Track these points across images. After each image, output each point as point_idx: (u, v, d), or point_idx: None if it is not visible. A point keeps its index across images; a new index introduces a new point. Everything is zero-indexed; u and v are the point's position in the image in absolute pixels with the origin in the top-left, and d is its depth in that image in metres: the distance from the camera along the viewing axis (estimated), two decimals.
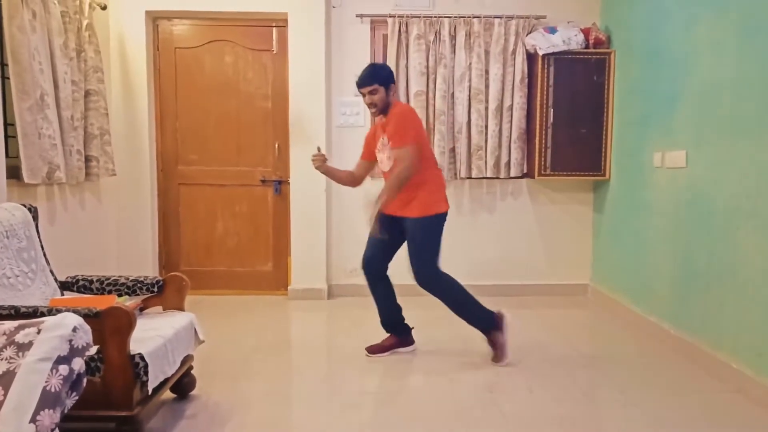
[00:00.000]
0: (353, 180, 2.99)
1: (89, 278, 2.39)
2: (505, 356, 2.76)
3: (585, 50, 3.86)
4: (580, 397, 2.46)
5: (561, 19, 3.98)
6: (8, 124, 2.78)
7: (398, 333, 2.94)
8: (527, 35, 3.94)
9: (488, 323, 2.79)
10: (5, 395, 1.22)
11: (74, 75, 3.20)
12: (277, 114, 4.13)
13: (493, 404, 2.34)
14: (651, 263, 3.35)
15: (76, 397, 1.35)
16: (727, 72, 2.67)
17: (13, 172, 2.77)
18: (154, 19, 4.05)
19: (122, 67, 3.93)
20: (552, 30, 3.84)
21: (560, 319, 3.70)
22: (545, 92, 3.87)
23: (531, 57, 3.97)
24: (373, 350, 2.91)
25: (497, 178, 4.11)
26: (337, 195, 4.15)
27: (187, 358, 2.30)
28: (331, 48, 4.08)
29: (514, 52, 3.98)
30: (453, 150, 4.08)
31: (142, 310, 2.36)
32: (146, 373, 1.84)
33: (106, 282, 2.37)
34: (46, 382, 1.25)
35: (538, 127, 3.90)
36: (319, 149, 2.86)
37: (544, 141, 3.90)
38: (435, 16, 3.97)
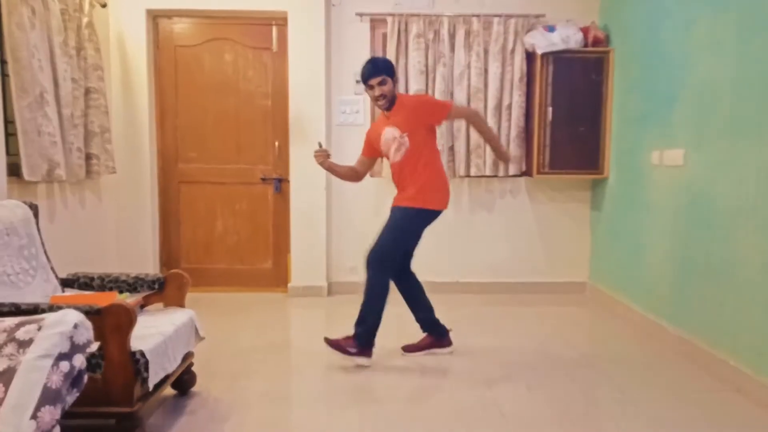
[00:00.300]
0: (355, 175, 2.97)
1: (90, 275, 2.40)
2: (334, 349, 2.67)
3: (584, 49, 3.86)
4: (579, 395, 2.47)
5: (560, 18, 3.98)
6: (8, 122, 2.78)
7: (435, 333, 2.89)
8: (526, 34, 3.94)
9: (362, 339, 2.69)
10: (6, 392, 1.22)
11: (74, 73, 3.20)
12: (276, 112, 4.14)
13: (492, 403, 2.35)
14: (649, 261, 3.36)
15: (77, 394, 1.36)
16: (726, 71, 2.67)
17: (14, 170, 2.78)
18: (154, 17, 4.05)
19: (122, 65, 3.93)
20: (551, 29, 3.85)
21: (558, 317, 3.71)
22: (544, 91, 3.88)
23: (530, 56, 3.97)
24: (408, 349, 2.88)
25: (496, 176, 4.12)
26: (337, 193, 4.16)
27: (188, 355, 2.31)
28: (331, 46, 4.08)
29: (513, 51, 3.98)
30: (452, 148, 4.09)
31: (142, 307, 2.37)
32: (147, 369, 1.86)
33: (106, 279, 2.38)
34: (46, 378, 1.26)
35: (536, 125, 3.91)
36: (320, 144, 2.85)
37: (542, 139, 3.91)
38: (434, 15, 3.97)
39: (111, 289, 2.36)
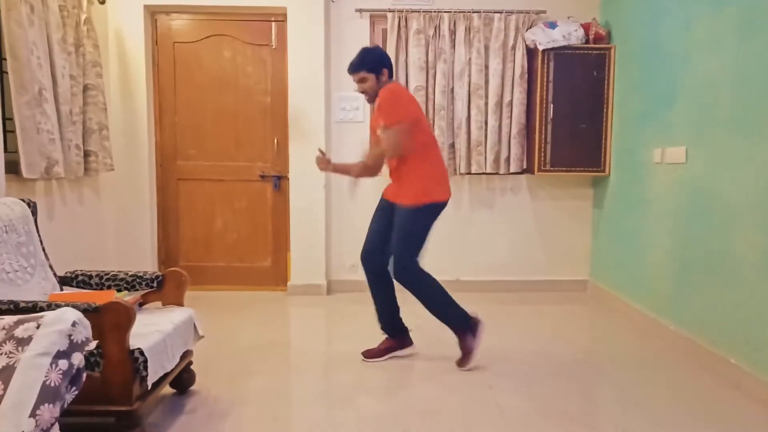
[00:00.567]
0: (371, 169, 2.81)
1: (88, 273, 2.39)
2: (469, 362, 2.66)
3: (585, 45, 3.85)
4: (579, 393, 2.46)
5: (561, 15, 3.97)
6: (6, 119, 2.77)
7: (395, 335, 2.85)
8: (527, 30, 3.93)
9: (463, 325, 2.69)
10: (5, 390, 1.21)
11: (72, 70, 3.18)
12: (276, 109, 4.12)
13: (493, 401, 2.35)
14: (650, 259, 3.35)
15: (76, 392, 1.35)
16: (726, 68, 2.66)
17: (12, 167, 2.76)
18: (153, 13, 4.03)
19: (121, 61, 3.91)
20: (552, 25, 3.83)
21: (559, 315, 3.70)
22: (545, 88, 3.86)
23: (531, 52, 3.96)
24: (369, 355, 2.80)
25: (497, 173, 4.10)
26: (337, 190, 4.14)
27: (187, 354, 2.30)
28: (331, 43, 4.06)
29: (513, 47, 3.97)
30: (452, 145, 4.07)
31: (141, 305, 2.36)
32: (146, 368, 1.84)
33: (105, 277, 2.37)
34: (45, 376, 1.25)
35: (537, 122, 3.90)
36: (320, 151, 2.78)
37: (543, 136, 3.90)
38: (434, 11, 3.96)
39: (109, 287, 2.35)
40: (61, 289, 2.34)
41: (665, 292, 3.18)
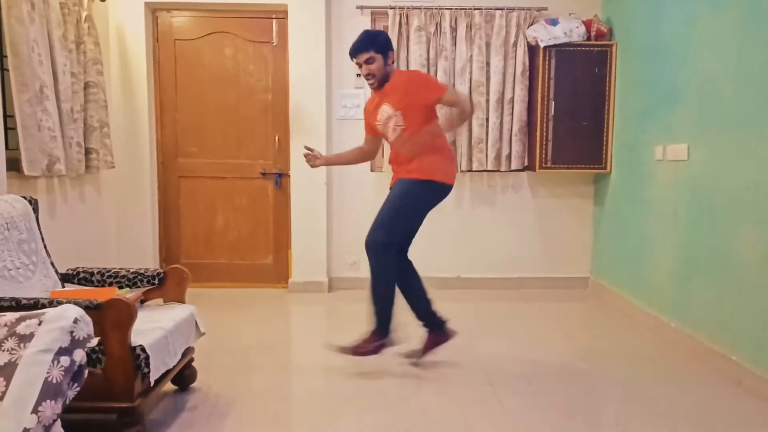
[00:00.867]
0: (364, 155, 2.81)
1: (90, 270, 2.39)
2: (354, 353, 2.53)
3: (586, 42, 3.84)
4: (580, 391, 2.46)
5: (562, 11, 3.96)
6: (8, 116, 2.77)
7: (435, 328, 2.68)
8: (528, 27, 3.92)
9: (381, 328, 2.55)
10: (7, 386, 1.22)
11: (73, 67, 3.18)
12: (277, 106, 4.12)
13: (493, 397, 2.35)
14: (651, 256, 3.35)
15: (78, 389, 1.36)
16: (728, 65, 2.65)
17: (13, 165, 2.77)
18: (154, 10, 4.03)
19: (121, 59, 3.91)
20: (553, 22, 3.82)
21: (560, 312, 3.70)
22: (546, 85, 3.85)
23: (532, 49, 3.95)
24: (420, 355, 2.65)
25: (498, 171, 4.10)
26: (338, 188, 4.14)
27: (188, 351, 2.30)
28: (332, 40, 4.06)
29: (515, 44, 3.96)
30: (454, 143, 4.07)
31: (142, 302, 2.36)
32: (147, 364, 1.85)
33: (106, 274, 2.37)
34: (47, 373, 1.25)
35: (539, 119, 3.89)
36: (307, 148, 2.70)
37: (545, 134, 3.89)
38: (436, 8, 3.95)
39: (111, 284, 2.36)
40: (63, 286, 2.34)
41: (666, 289, 3.17)
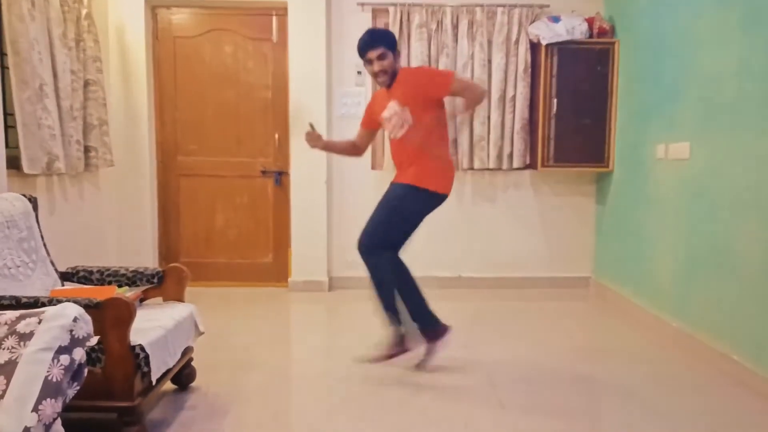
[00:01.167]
0: (356, 149, 2.81)
1: (89, 269, 2.38)
2: (379, 362, 2.47)
3: (589, 40, 3.82)
4: (580, 389, 2.46)
5: (564, 9, 3.94)
6: (8, 114, 2.76)
7: (431, 328, 2.62)
8: (530, 24, 3.90)
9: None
10: (7, 385, 1.21)
11: (73, 65, 3.17)
12: (277, 104, 4.11)
13: (493, 396, 2.34)
14: (653, 256, 3.34)
15: (78, 387, 1.35)
16: (731, 63, 2.64)
17: (13, 163, 2.75)
18: (153, 8, 4.01)
19: (121, 56, 3.90)
20: (555, 19, 3.81)
21: (562, 311, 3.69)
22: (548, 82, 3.84)
23: (534, 47, 3.94)
24: (423, 363, 2.61)
25: (500, 169, 4.09)
26: (338, 186, 4.13)
27: (188, 350, 2.29)
28: (332, 37, 4.04)
29: (517, 42, 3.95)
30: (455, 141, 4.06)
31: (142, 301, 2.35)
32: (147, 363, 1.84)
33: (106, 273, 2.36)
34: (47, 371, 1.24)
35: (541, 117, 3.88)
36: (312, 126, 2.65)
37: (547, 132, 3.88)
38: (437, 5, 3.93)
39: (110, 282, 2.34)
40: (62, 285, 2.33)
41: (668, 288, 3.16)
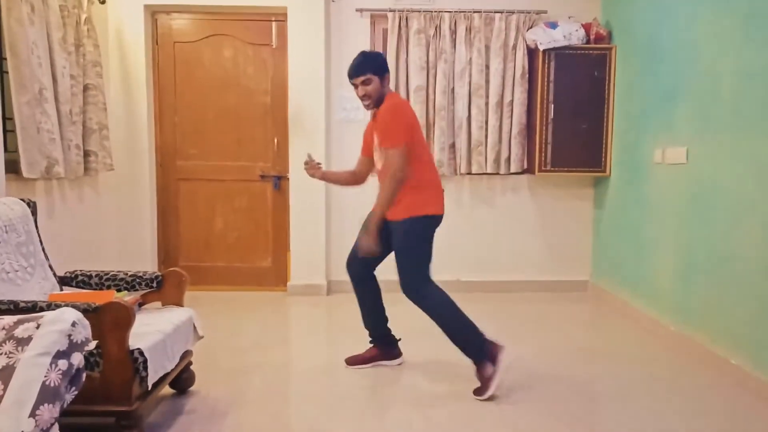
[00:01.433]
0: (355, 179, 2.82)
1: (88, 273, 2.39)
2: (487, 392, 2.34)
3: (586, 45, 3.84)
4: (581, 393, 2.46)
5: (562, 14, 3.96)
6: (7, 119, 2.77)
7: (382, 345, 2.74)
8: (528, 30, 3.92)
9: (479, 353, 2.40)
10: (5, 389, 1.21)
11: (73, 69, 3.18)
12: (276, 109, 4.12)
13: (493, 401, 2.34)
14: (651, 259, 3.35)
15: (76, 392, 1.35)
16: (727, 68, 2.66)
17: (12, 167, 2.76)
18: (153, 13, 4.03)
19: (121, 61, 3.91)
20: (553, 25, 3.83)
21: (560, 315, 3.70)
22: (546, 87, 3.86)
23: (532, 52, 3.96)
24: (353, 361, 2.72)
25: (497, 173, 4.10)
26: (337, 190, 4.14)
27: (186, 354, 2.29)
28: (331, 42, 4.06)
29: (514, 47, 3.97)
30: (453, 146, 4.07)
31: (141, 305, 2.35)
32: (145, 368, 1.84)
33: (104, 277, 2.37)
34: (45, 376, 1.24)
35: (538, 122, 3.89)
36: (310, 156, 2.69)
37: (544, 136, 3.89)
38: (435, 11, 3.95)
39: (109, 287, 2.35)
40: (61, 289, 2.33)
41: (666, 292, 3.17)
